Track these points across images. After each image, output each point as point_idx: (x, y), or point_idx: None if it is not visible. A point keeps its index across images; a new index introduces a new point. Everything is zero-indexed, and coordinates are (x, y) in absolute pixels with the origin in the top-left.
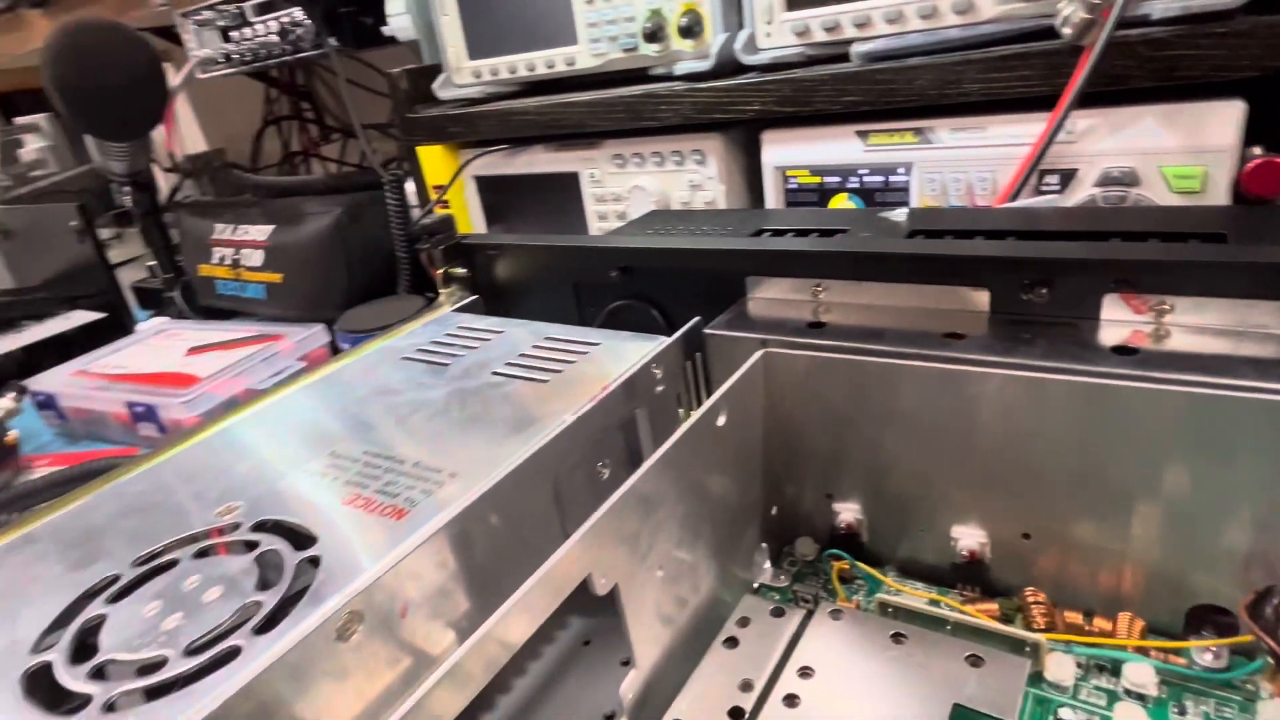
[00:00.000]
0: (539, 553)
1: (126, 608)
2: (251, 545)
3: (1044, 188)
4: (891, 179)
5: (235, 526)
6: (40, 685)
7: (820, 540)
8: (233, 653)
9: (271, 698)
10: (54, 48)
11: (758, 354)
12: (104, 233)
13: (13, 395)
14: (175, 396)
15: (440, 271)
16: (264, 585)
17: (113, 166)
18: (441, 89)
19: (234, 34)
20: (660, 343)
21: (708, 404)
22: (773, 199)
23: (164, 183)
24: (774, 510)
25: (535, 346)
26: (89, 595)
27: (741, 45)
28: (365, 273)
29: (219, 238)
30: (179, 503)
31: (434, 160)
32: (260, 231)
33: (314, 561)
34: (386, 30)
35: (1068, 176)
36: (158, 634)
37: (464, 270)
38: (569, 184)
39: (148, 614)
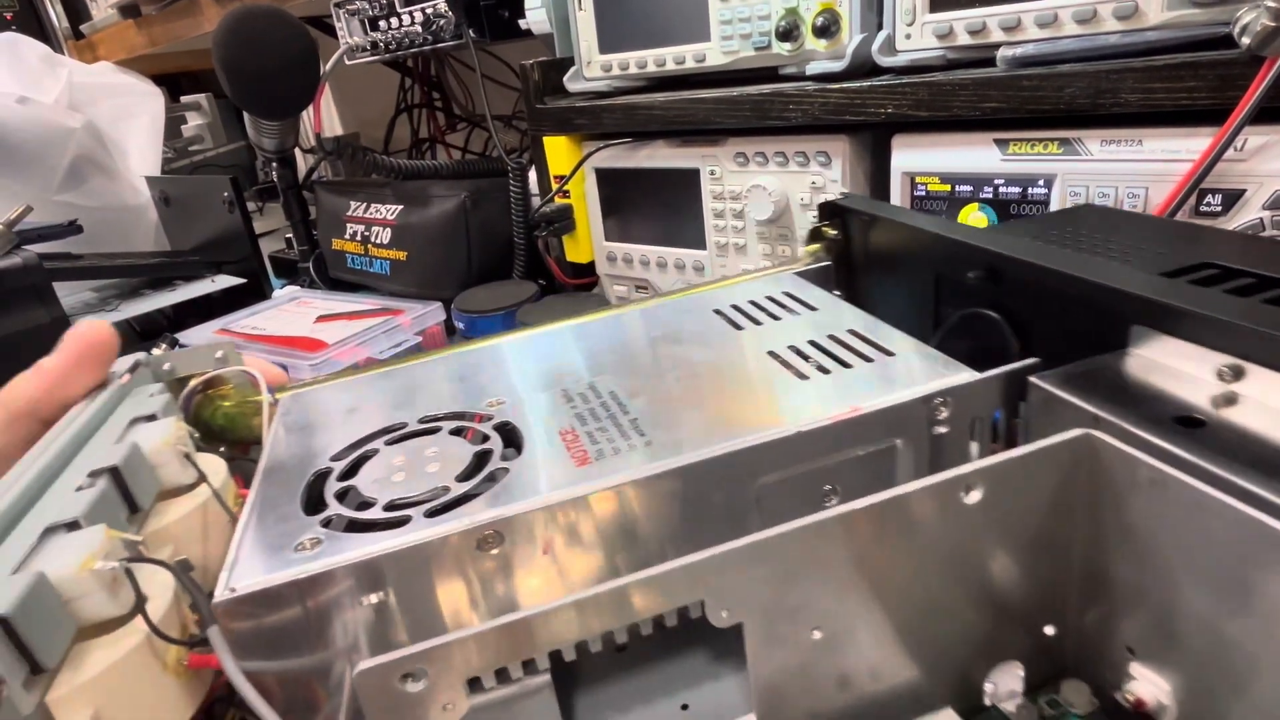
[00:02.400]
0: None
1: (387, 452)
2: (485, 438)
3: (1204, 208)
4: (1031, 191)
5: (489, 418)
6: (314, 488)
7: (1099, 696)
8: (402, 521)
9: (405, 570)
10: (224, 30)
11: (1075, 432)
12: (248, 206)
13: (164, 347)
14: (304, 359)
15: (811, 228)
16: (465, 476)
17: (264, 143)
18: (571, 82)
19: (381, 23)
20: (964, 377)
21: (956, 472)
22: (899, 205)
23: (302, 162)
24: (1049, 630)
25: (830, 336)
26: (382, 432)
27: (879, 46)
28: (483, 256)
29: (353, 215)
30: (481, 383)
31: (558, 151)
32: (390, 211)
33: (505, 472)
34: (523, 23)
35: (1233, 197)
36: (384, 482)
37: (834, 232)
38: (689, 180)
39: (393, 462)
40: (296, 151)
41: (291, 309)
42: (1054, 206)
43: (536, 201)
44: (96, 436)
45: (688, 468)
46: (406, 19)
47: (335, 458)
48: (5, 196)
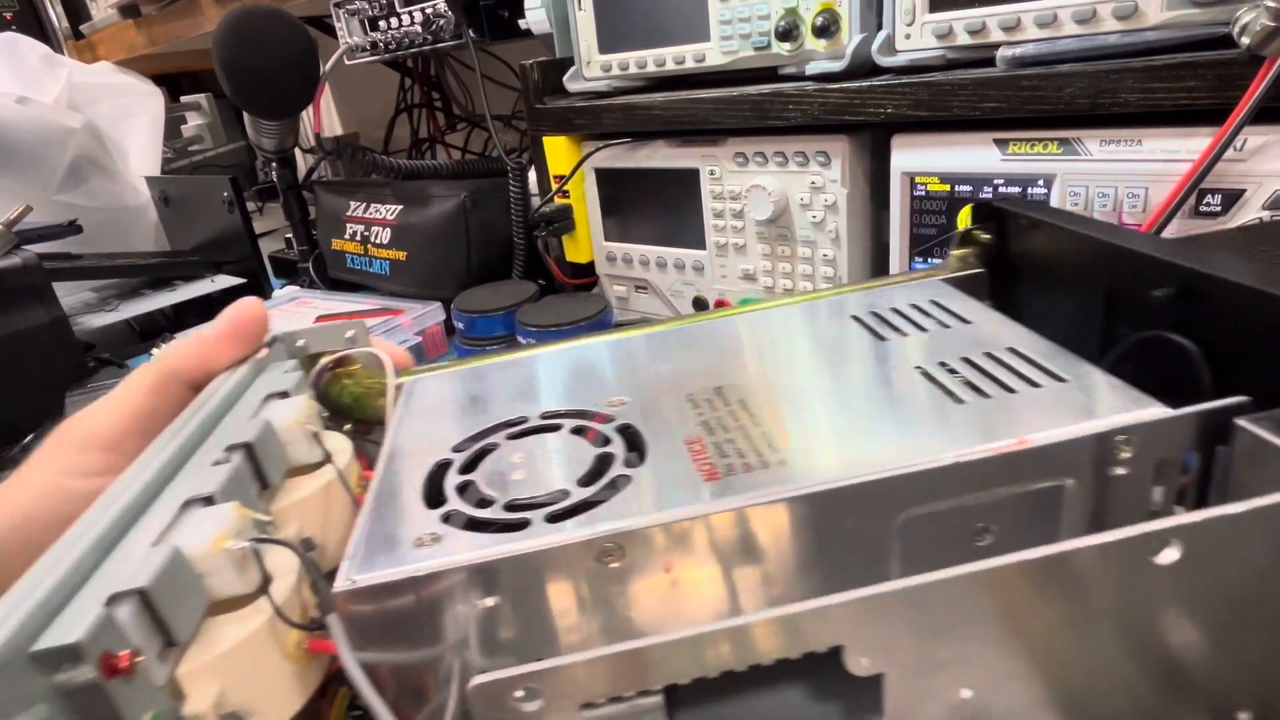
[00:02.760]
0: (830, 588)
1: (508, 447)
2: (607, 440)
3: (1203, 208)
4: (1030, 191)
5: (610, 419)
6: (434, 479)
7: None
8: (522, 524)
9: (523, 575)
10: (224, 30)
11: None
12: (248, 206)
13: (164, 347)
14: None
15: (959, 230)
16: (586, 480)
17: (264, 143)
18: (571, 81)
19: (380, 23)
20: (1153, 413)
21: (1149, 527)
22: (898, 205)
23: (302, 162)
24: (1242, 716)
25: (988, 354)
26: (503, 425)
27: (878, 46)
28: (483, 256)
29: (352, 215)
30: (602, 380)
31: (557, 151)
32: (389, 211)
33: (627, 480)
34: (523, 23)
35: (1232, 197)
36: (504, 479)
37: (988, 236)
38: (688, 180)
39: (513, 459)
40: (296, 151)
41: (291, 309)
42: (1054, 206)
43: (536, 201)
44: (235, 409)
45: (827, 494)
46: (406, 19)
47: (456, 449)
48: (5, 196)
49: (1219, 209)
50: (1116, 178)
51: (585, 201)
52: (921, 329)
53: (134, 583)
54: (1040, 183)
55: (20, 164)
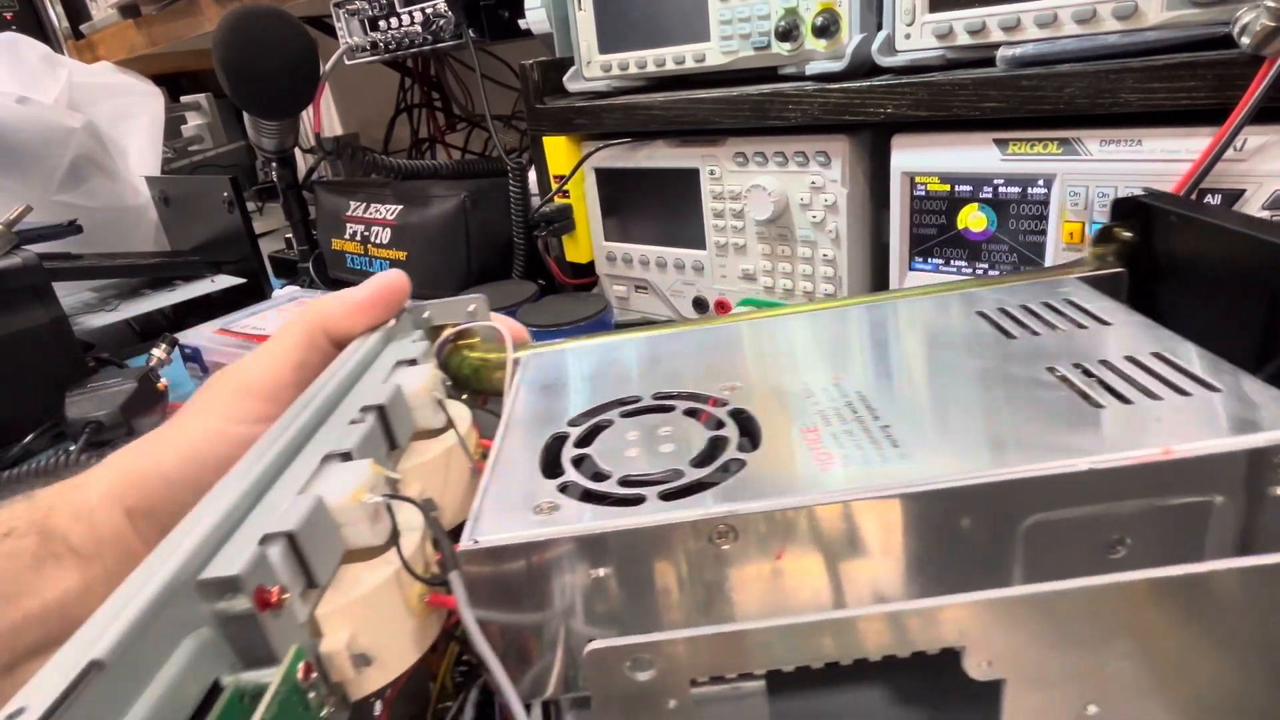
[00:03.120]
0: (944, 589)
1: (622, 424)
2: (720, 424)
3: None
4: (1030, 190)
5: (724, 403)
6: (551, 450)
7: None
8: (637, 500)
9: (635, 549)
10: (224, 30)
11: None
12: (248, 206)
13: (164, 347)
14: None
15: (1101, 227)
16: (700, 461)
17: (264, 143)
18: (571, 81)
19: (380, 23)
20: None
21: None
22: (898, 205)
23: (301, 162)
24: None
25: (1128, 359)
26: (617, 403)
27: (878, 46)
28: (483, 255)
29: (352, 215)
30: (717, 364)
31: (557, 151)
32: (390, 211)
33: (741, 464)
34: (523, 23)
35: (1232, 197)
36: (618, 455)
37: (1130, 234)
38: (688, 180)
39: (627, 436)
40: (296, 151)
41: (291, 309)
42: (1054, 207)
43: (536, 201)
44: (369, 373)
45: (950, 491)
46: (406, 19)
47: (572, 423)
48: (5, 196)
49: None
50: (1116, 177)
51: (585, 201)
52: (1055, 328)
53: (283, 526)
54: (1040, 182)
55: (20, 164)
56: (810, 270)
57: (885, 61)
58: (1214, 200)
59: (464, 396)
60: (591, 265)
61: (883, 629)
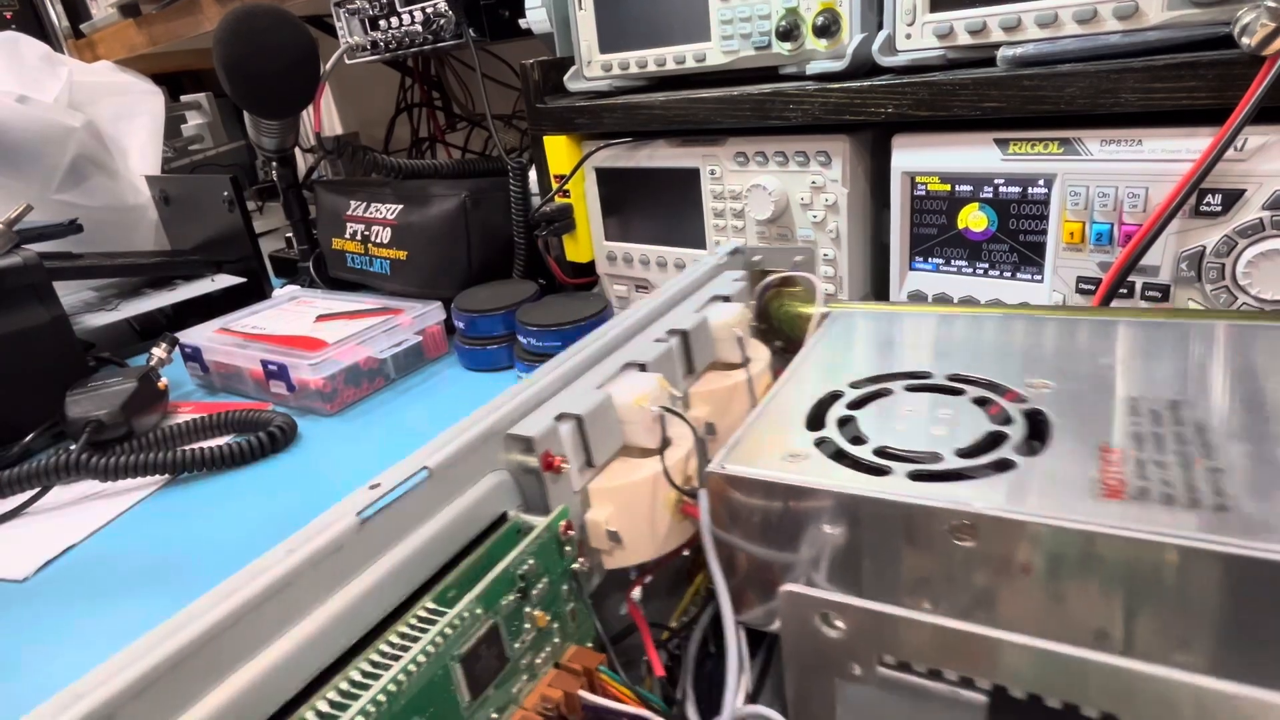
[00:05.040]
0: (1239, 674)
1: (902, 397)
2: (1008, 419)
3: (1204, 208)
4: (1031, 190)
5: (1022, 399)
6: (822, 405)
7: None
8: (882, 470)
9: (867, 518)
10: (225, 30)
11: None
12: (248, 205)
13: (165, 346)
14: (304, 359)
15: None
16: (968, 452)
17: (264, 143)
18: (571, 81)
19: (381, 23)
20: None
21: None
22: (899, 205)
23: (302, 161)
24: None
25: None
26: (907, 375)
27: (879, 46)
28: (483, 255)
29: (353, 214)
30: (1031, 357)
31: (558, 150)
32: (390, 210)
33: (1012, 465)
34: (524, 22)
35: (1233, 197)
36: (885, 425)
37: None
38: (689, 180)
39: (902, 409)
40: (296, 151)
41: (291, 308)
42: (1054, 206)
43: (536, 201)
44: (686, 301)
45: (1267, 563)
46: (406, 18)
47: (853, 384)
48: (5, 195)
49: (1219, 209)
50: (1117, 177)
51: (585, 201)
52: None
53: (575, 410)
54: (1041, 182)
55: (20, 163)
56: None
57: (886, 61)
58: (1214, 200)
59: (777, 344)
60: (592, 265)
61: (1154, 696)
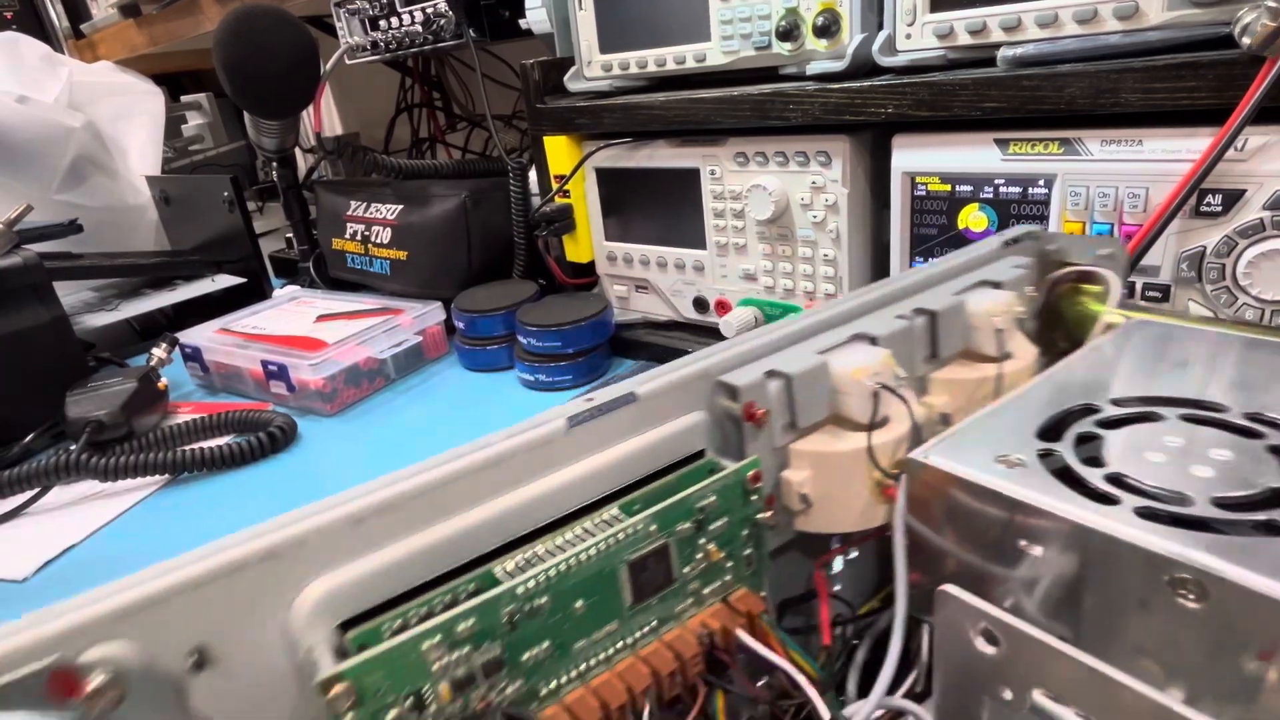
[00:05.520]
0: None
1: (1173, 426)
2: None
3: (1204, 208)
4: (1031, 191)
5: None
6: (1068, 416)
7: None
8: (1109, 499)
9: (1071, 546)
10: (225, 30)
11: None
12: (248, 205)
13: (165, 346)
14: (304, 359)
15: None
16: (1235, 504)
17: (264, 143)
18: (571, 81)
19: (381, 23)
20: None
21: None
22: (899, 205)
23: (302, 161)
24: None
25: None
26: (1192, 404)
27: (879, 46)
28: (483, 256)
29: (353, 214)
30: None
31: (558, 151)
32: (390, 210)
33: None
34: (524, 23)
35: (1233, 197)
36: (1136, 453)
37: None
38: (689, 180)
39: (1167, 440)
40: (296, 151)
41: (291, 308)
42: (1054, 206)
43: (536, 201)
44: (951, 281)
45: None
46: (406, 18)
47: (1116, 402)
48: (5, 196)
49: (1220, 209)
50: (1117, 178)
51: (585, 201)
52: None
53: (785, 369)
54: (1041, 183)
55: (20, 163)
56: (811, 270)
57: (886, 61)
58: (1215, 201)
59: (1062, 344)
60: (592, 265)
61: None
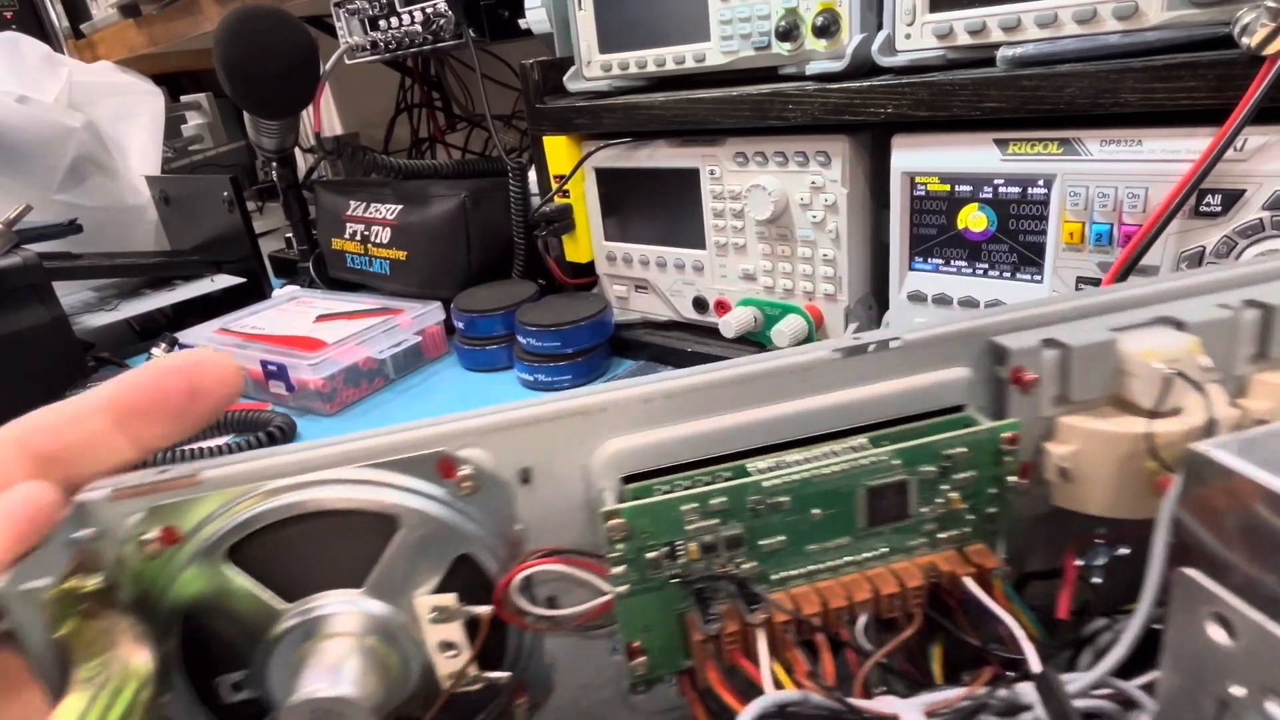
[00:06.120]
0: None
1: None
2: None
3: (1203, 208)
4: (1030, 191)
5: None
6: None
7: None
8: None
9: None
10: (225, 30)
11: None
12: (248, 205)
13: (164, 346)
14: (304, 359)
15: None
16: None
17: (264, 143)
18: (571, 81)
19: (380, 23)
20: None
21: None
22: (898, 205)
23: (301, 161)
24: None
25: None
26: None
27: (878, 46)
28: (483, 256)
29: (352, 214)
30: None
31: (557, 151)
32: (390, 210)
33: None
34: (523, 23)
35: (1233, 197)
36: None
37: None
38: (688, 180)
39: None
40: (296, 151)
41: (291, 308)
42: (1054, 207)
43: (536, 201)
44: None
45: None
46: (406, 18)
47: None
48: (5, 195)
49: (1219, 209)
50: (1117, 178)
51: (585, 201)
52: None
53: (1067, 340)
54: (1041, 183)
55: (20, 163)
56: (810, 270)
57: (885, 61)
58: (1214, 201)
59: None
60: (591, 265)
61: None
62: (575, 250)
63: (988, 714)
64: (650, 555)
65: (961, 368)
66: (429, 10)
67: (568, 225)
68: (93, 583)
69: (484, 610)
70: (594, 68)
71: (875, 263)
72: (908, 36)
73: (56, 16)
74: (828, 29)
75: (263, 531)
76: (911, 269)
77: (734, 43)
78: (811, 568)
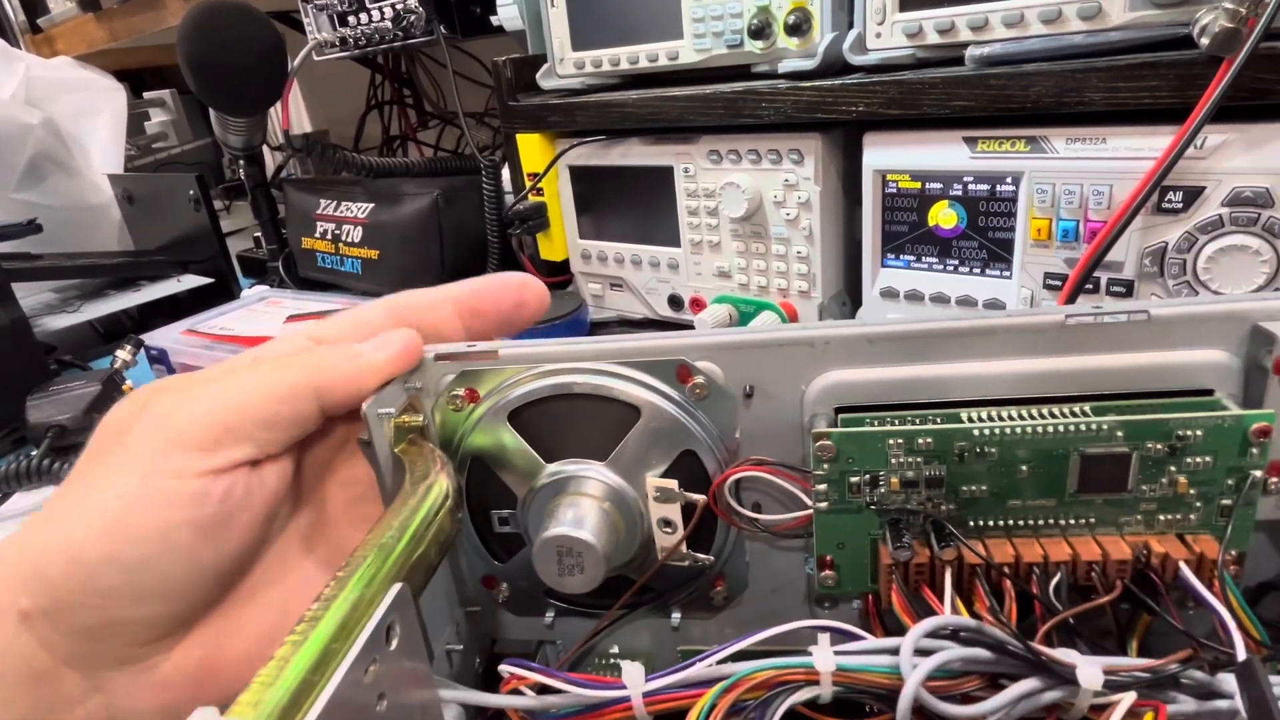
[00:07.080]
0: None
1: None
2: None
3: (1165, 205)
4: (999, 188)
5: None
6: None
7: None
8: None
9: None
10: (188, 25)
11: None
12: (215, 204)
13: (129, 348)
14: None
15: None
16: None
17: (231, 140)
18: (544, 79)
19: (350, 19)
20: None
21: None
22: (870, 202)
23: (270, 159)
24: None
25: None
26: None
27: (849, 45)
28: (456, 254)
29: (323, 213)
30: None
31: (531, 148)
32: (361, 209)
33: None
34: (495, 20)
35: (1193, 194)
36: None
37: None
38: (662, 178)
39: None
40: (264, 149)
41: (261, 309)
42: (1021, 204)
43: (510, 199)
44: None
45: None
46: (376, 14)
47: None
48: None
49: (1180, 205)
50: (1082, 175)
51: (559, 199)
52: None
53: None
54: (1009, 180)
55: None
56: (784, 267)
57: (856, 60)
58: (1176, 198)
59: None
60: (566, 263)
61: None
62: (550, 248)
63: (1174, 690)
64: (853, 480)
65: (1217, 350)
66: (399, 6)
67: (542, 223)
68: (417, 420)
69: (699, 497)
70: (567, 65)
71: (848, 259)
72: (878, 35)
73: (12, 10)
74: (799, 27)
75: (536, 403)
76: (884, 266)
77: (707, 41)
78: (1011, 522)
